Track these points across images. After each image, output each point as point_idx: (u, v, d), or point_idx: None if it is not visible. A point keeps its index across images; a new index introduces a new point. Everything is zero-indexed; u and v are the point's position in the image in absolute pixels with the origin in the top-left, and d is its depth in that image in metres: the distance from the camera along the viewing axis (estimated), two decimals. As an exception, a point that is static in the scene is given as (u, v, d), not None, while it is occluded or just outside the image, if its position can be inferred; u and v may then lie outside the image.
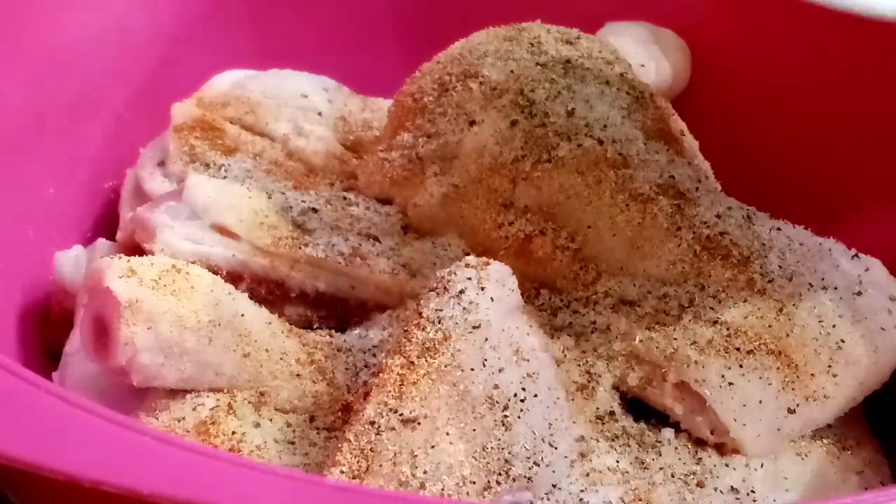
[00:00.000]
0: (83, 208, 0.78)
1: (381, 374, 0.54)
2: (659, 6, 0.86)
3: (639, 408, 0.63)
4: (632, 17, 0.84)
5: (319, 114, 0.77)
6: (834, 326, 0.63)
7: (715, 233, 0.65)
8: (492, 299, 0.57)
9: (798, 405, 0.61)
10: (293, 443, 0.57)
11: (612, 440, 0.60)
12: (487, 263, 0.58)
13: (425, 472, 0.52)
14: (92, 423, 0.45)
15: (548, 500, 0.55)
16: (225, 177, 0.70)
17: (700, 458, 0.60)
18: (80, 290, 0.66)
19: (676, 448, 0.61)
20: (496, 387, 0.55)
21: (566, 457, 0.57)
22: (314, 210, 0.68)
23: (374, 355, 0.62)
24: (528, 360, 0.57)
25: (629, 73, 0.73)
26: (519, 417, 0.55)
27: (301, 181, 0.72)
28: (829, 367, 0.62)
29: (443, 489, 0.52)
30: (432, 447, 0.52)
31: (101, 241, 0.70)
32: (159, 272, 0.58)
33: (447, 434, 0.53)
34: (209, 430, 0.57)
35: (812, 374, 0.62)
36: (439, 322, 0.55)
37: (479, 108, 0.68)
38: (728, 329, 0.62)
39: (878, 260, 0.70)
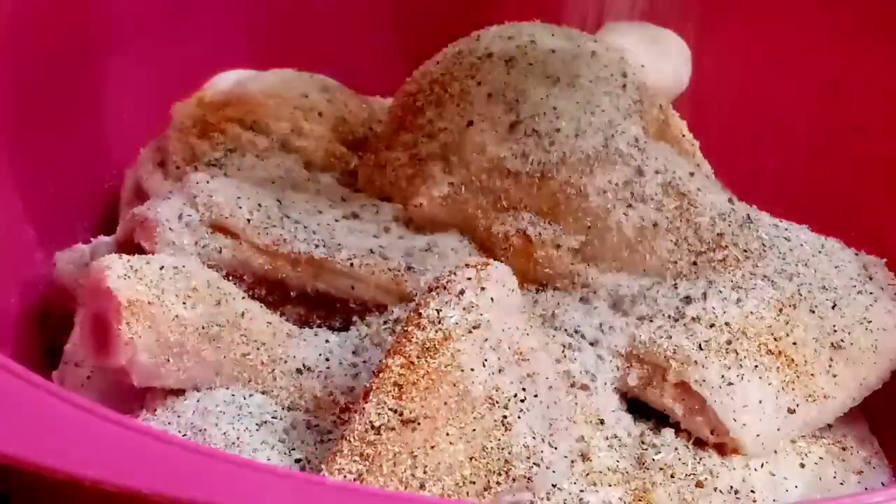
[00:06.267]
0: (83, 208, 0.78)
1: (381, 374, 0.54)
2: (659, 6, 0.86)
3: (639, 408, 0.63)
4: (632, 17, 0.84)
5: (319, 114, 0.77)
6: (834, 326, 0.63)
7: (715, 233, 0.66)
8: (492, 299, 0.57)
9: (798, 405, 0.61)
10: (293, 443, 0.57)
11: (612, 440, 0.60)
12: (487, 263, 0.58)
13: (425, 472, 0.52)
14: (92, 423, 0.45)
15: (548, 500, 0.55)
16: (225, 176, 0.70)
17: (700, 458, 0.60)
18: (81, 290, 0.66)
19: (676, 448, 0.61)
20: (496, 387, 0.55)
21: (566, 457, 0.57)
22: (314, 210, 0.68)
23: (374, 355, 0.62)
24: (528, 360, 0.57)
25: (630, 73, 0.73)
26: (519, 417, 0.55)
27: (301, 181, 0.72)
28: (829, 367, 0.62)
29: (443, 489, 0.52)
30: (432, 447, 0.52)
31: (102, 241, 0.70)
32: (159, 272, 0.58)
33: (447, 434, 0.53)
34: (209, 430, 0.57)
35: (812, 374, 0.62)
36: (439, 322, 0.55)
37: (479, 108, 0.68)
38: (728, 329, 0.62)
39: (878, 259, 0.70)
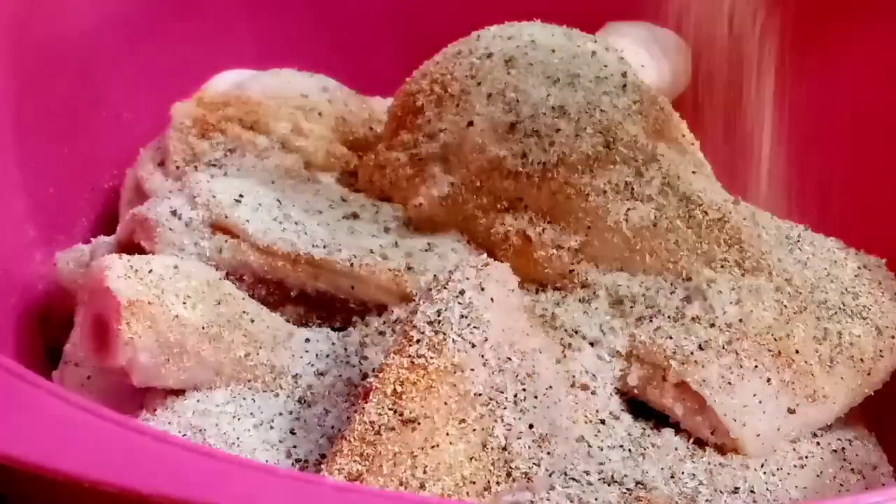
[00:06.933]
0: (83, 208, 0.78)
1: (381, 374, 0.54)
2: (659, 6, 0.86)
3: (639, 408, 0.63)
4: (632, 17, 0.84)
5: (319, 114, 0.77)
6: (834, 326, 0.63)
7: (715, 233, 0.66)
8: (492, 299, 0.57)
9: (798, 405, 0.61)
10: (293, 443, 0.57)
11: (612, 440, 0.60)
12: (487, 263, 0.58)
13: (425, 472, 0.52)
14: (92, 423, 0.45)
15: (548, 500, 0.55)
16: (225, 176, 0.70)
17: (700, 458, 0.60)
18: (81, 290, 0.66)
19: (676, 448, 0.61)
20: (496, 387, 0.55)
21: (566, 457, 0.57)
22: (314, 210, 0.68)
23: (375, 355, 0.62)
24: (527, 360, 0.57)
25: (630, 73, 0.73)
26: (519, 418, 0.55)
27: (301, 181, 0.72)
28: (829, 367, 0.62)
29: (443, 489, 0.52)
30: (432, 447, 0.52)
31: (102, 241, 0.70)
32: (159, 272, 0.58)
33: (447, 434, 0.53)
34: (209, 430, 0.57)
35: (812, 375, 0.62)
36: (439, 322, 0.55)
37: (479, 108, 0.68)
38: (728, 329, 0.62)
39: (879, 259, 0.70)
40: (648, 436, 0.61)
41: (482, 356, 0.55)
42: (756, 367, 0.61)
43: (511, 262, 0.62)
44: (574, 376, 0.61)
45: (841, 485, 0.62)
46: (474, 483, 0.53)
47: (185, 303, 0.58)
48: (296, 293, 0.65)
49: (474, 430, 0.53)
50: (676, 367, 0.61)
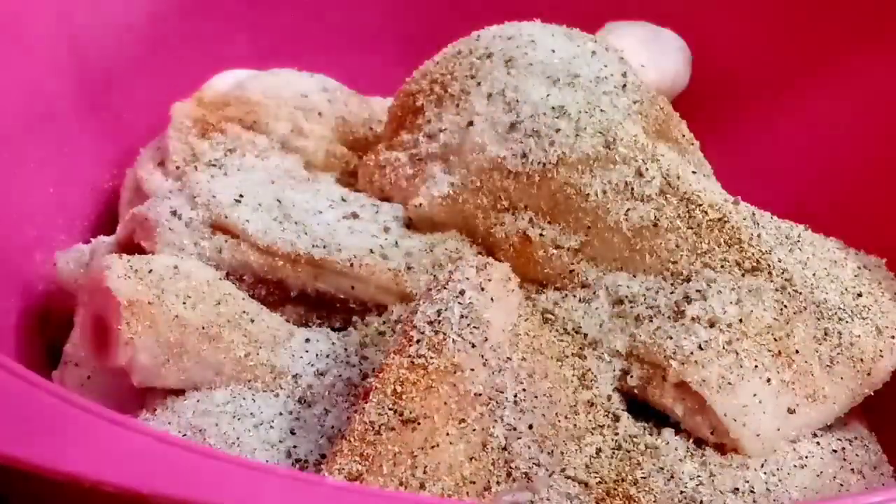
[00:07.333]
0: (83, 208, 0.78)
1: (381, 374, 0.54)
2: (659, 6, 0.86)
3: (639, 408, 0.63)
4: (632, 17, 0.84)
5: (319, 114, 0.77)
6: (834, 327, 0.63)
7: (715, 233, 0.66)
8: (492, 299, 0.57)
9: (798, 405, 0.61)
10: (293, 443, 0.57)
11: (612, 440, 0.60)
12: (487, 263, 0.58)
13: (425, 472, 0.52)
14: (92, 423, 0.45)
15: (548, 500, 0.55)
16: (225, 176, 0.70)
17: (700, 458, 0.60)
18: (81, 290, 0.66)
19: (676, 448, 0.61)
20: (496, 387, 0.55)
21: (566, 457, 0.57)
22: (314, 210, 0.68)
23: (374, 355, 0.62)
24: (527, 361, 0.57)
25: (630, 73, 0.73)
26: (519, 418, 0.55)
27: (301, 181, 0.72)
28: (829, 367, 0.62)
29: (443, 489, 0.52)
30: (432, 447, 0.52)
31: (102, 241, 0.70)
32: (160, 272, 0.58)
33: (447, 434, 0.53)
34: (209, 430, 0.57)
35: (812, 375, 0.62)
36: (439, 322, 0.55)
37: (479, 108, 0.68)
38: (728, 329, 0.62)
39: (879, 259, 0.70)
40: (648, 436, 0.61)
41: (482, 356, 0.55)
42: (756, 367, 0.61)
43: (511, 262, 0.63)
44: (574, 376, 0.61)
45: (841, 485, 0.62)
46: (474, 483, 0.53)
47: (185, 303, 0.58)
48: (296, 293, 0.65)
49: (474, 430, 0.53)
50: (676, 367, 0.61)
